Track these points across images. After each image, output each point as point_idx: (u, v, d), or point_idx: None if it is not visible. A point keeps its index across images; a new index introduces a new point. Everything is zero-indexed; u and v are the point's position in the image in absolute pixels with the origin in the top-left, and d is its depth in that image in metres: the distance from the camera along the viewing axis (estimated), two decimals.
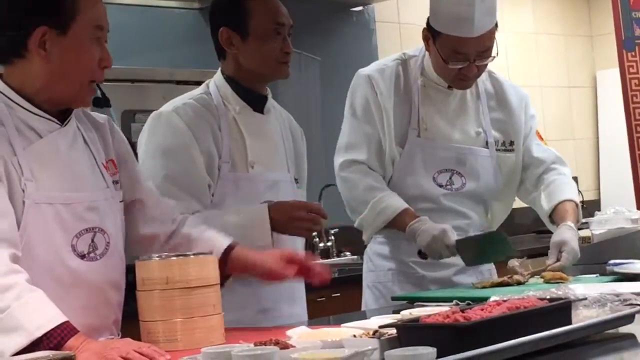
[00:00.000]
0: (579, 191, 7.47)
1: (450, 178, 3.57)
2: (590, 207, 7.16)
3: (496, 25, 3.47)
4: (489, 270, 3.68)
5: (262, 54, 3.10)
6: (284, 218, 3.03)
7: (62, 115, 2.52)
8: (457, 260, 3.44)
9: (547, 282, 3.18)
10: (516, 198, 3.83)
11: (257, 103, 3.19)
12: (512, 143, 3.67)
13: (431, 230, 3.34)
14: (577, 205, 3.59)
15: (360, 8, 6.39)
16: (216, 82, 3.18)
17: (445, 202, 3.55)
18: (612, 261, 3.31)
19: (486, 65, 3.50)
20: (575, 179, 7.89)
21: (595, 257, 3.47)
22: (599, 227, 3.76)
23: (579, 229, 3.84)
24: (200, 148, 3.05)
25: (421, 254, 3.41)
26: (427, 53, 3.57)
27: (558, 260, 3.35)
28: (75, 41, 2.45)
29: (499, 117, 3.67)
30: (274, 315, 3.09)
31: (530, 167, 3.71)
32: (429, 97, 3.57)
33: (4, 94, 2.48)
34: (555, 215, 3.57)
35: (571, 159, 7.75)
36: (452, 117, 3.58)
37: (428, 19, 3.51)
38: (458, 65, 3.44)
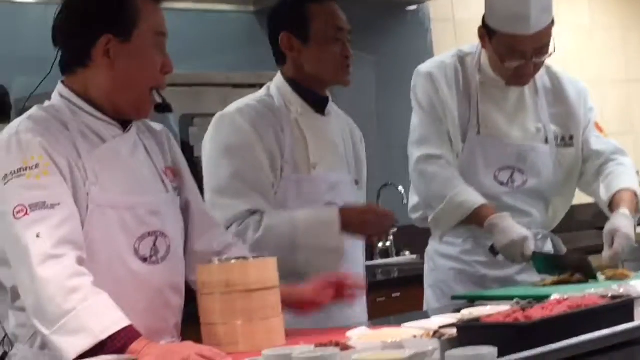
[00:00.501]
0: None
1: (511, 176, 3.55)
2: None
3: (553, 21, 3.44)
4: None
5: (323, 59, 3.12)
6: (354, 221, 3.07)
7: (124, 123, 2.56)
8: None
9: (608, 279, 3.15)
10: (576, 194, 3.80)
11: (318, 105, 3.21)
12: (571, 137, 3.65)
13: (512, 233, 3.32)
14: (636, 194, 3.55)
15: (415, 7, 6.37)
16: (277, 84, 3.20)
17: (506, 200, 3.54)
18: None
19: (543, 62, 3.49)
20: (637, 173, 7.83)
21: None
22: None
23: None
24: (263, 147, 3.07)
25: (493, 251, 3.39)
26: (483, 50, 3.56)
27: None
28: (139, 48, 2.49)
29: (558, 112, 3.65)
30: (335, 316, 3.09)
31: (589, 159, 3.69)
32: (488, 94, 3.57)
33: (68, 99, 2.51)
34: (612, 205, 3.54)
35: (631, 153, 7.57)
36: (511, 113, 3.57)
37: (484, 16, 3.50)
38: (515, 63, 3.43)
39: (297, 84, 3.17)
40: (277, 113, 3.13)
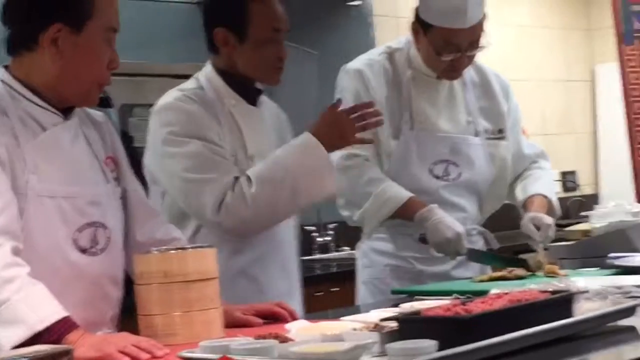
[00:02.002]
0: (578, 185, 7.53)
1: (446, 169, 3.57)
2: (590, 201, 7.15)
3: (485, 15, 3.49)
4: (481, 265, 3.67)
5: (258, 60, 3.08)
6: (329, 134, 3.01)
7: (65, 111, 2.51)
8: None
9: (547, 276, 3.16)
10: None
11: (251, 96, 3.17)
12: (500, 131, 3.68)
13: (446, 230, 3.33)
14: (549, 201, 3.64)
15: (357, 2, 6.38)
16: (208, 76, 3.14)
17: (443, 194, 3.55)
18: (612, 254, 3.30)
19: (475, 55, 3.52)
20: (573, 172, 7.92)
21: (596, 251, 3.45)
22: (599, 220, 3.74)
23: (576, 222, 3.84)
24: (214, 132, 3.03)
25: (423, 240, 3.39)
26: (412, 44, 3.56)
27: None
28: (88, 41, 2.45)
29: (485, 106, 3.68)
30: None
31: (517, 160, 3.73)
32: (419, 88, 3.57)
33: (8, 85, 2.46)
34: (525, 207, 3.62)
35: (570, 153, 7.75)
36: (442, 107, 3.59)
37: (417, 11, 3.51)
38: (450, 56, 3.45)
39: (230, 76, 3.12)
40: (212, 105, 3.08)
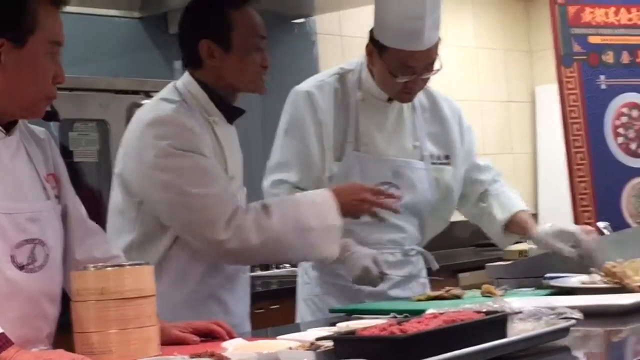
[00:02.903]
0: None
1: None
2: None
3: (439, 38, 3.49)
4: (422, 284, 3.70)
5: (244, 69, 3.06)
6: (348, 200, 3.08)
7: (6, 126, 2.49)
8: (391, 274, 3.47)
9: (484, 296, 3.19)
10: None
11: (231, 114, 3.15)
12: (447, 157, 3.68)
13: (361, 260, 3.27)
14: (531, 215, 3.69)
15: (302, 20, 6.40)
16: (191, 90, 3.09)
17: (383, 215, 3.54)
18: (548, 275, 3.34)
19: (429, 78, 3.52)
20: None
21: (532, 271, 3.49)
22: None
23: (516, 242, 3.87)
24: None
25: (355, 280, 3.38)
26: (364, 66, 3.56)
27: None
28: (32, 55, 2.42)
29: (434, 131, 3.68)
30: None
31: (475, 182, 3.75)
32: (367, 111, 3.57)
33: None
34: (513, 226, 3.65)
35: (509, 173, 7.82)
36: (389, 130, 3.58)
37: (372, 33, 3.49)
38: (405, 78, 3.43)
39: (213, 92, 3.09)
40: (198, 121, 3.04)
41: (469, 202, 3.78)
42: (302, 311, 3.67)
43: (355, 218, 3.20)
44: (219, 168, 3.02)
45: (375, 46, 3.47)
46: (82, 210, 2.74)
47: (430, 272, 3.78)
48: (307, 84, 3.59)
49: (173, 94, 3.09)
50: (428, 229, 3.75)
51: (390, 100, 3.56)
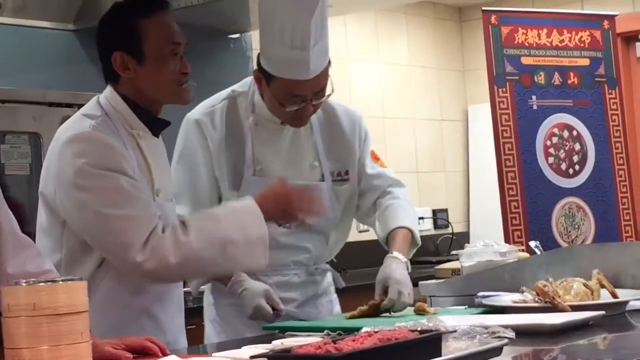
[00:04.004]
0: (449, 223, 7.66)
1: None
2: (460, 239, 7.28)
3: (329, 62, 3.41)
4: (330, 301, 3.70)
5: (161, 78, 2.99)
6: (273, 207, 3.02)
7: None
8: (296, 295, 3.48)
9: (417, 313, 3.21)
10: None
11: (157, 127, 3.10)
12: (347, 172, 3.62)
13: (254, 297, 3.26)
14: (410, 230, 3.58)
15: (237, 35, 6.40)
16: (113, 104, 3.03)
17: (284, 240, 3.48)
18: (480, 293, 3.36)
19: (321, 102, 3.43)
20: (445, 210, 8.04)
21: (465, 289, 3.51)
22: (469, 259, 3.81)
23: (447, 260, 3.88)
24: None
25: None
26: (256, 88, 3.47)
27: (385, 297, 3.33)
28: None
29: (333, 148, 3.61)
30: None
31: (367, 192, 3.68)
32: (261, 134, 3.50)
33: None
34: (388, 244, 3.57)
35: (442, 191, 7.89)
36: (286, 152, 3.52)
37: (258, 59, 3.41)
38: (294, 107, 3.36)
39: (135, 104, 3.03)
40: (121, 135, 2.98)
41: (362, 211, 3.72)
42: (209, 331, 3.62)
43: (284, 224, 3.15)
44: (140, 186, 2.95)
45: (262, 74, 3.38)
46: (14, 223, 2.70)
47: (337, 290, 3.77)
48: (197, 111, 3.51)
49: (95, 109, 3.03)
50: (332, 245, 3.73)
51: (283, 123, 3.49)
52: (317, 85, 3.36)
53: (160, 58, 3.00)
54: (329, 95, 3.43)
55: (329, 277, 3.72)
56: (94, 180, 2.89)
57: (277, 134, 3.52)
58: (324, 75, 3.37)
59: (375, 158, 3.74)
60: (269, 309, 3.26)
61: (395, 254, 3.46)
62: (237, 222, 2.98)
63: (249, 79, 3.55)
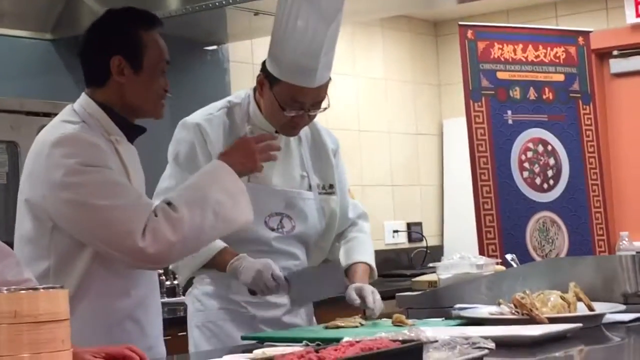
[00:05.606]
0: (423, 236, 7.68)
1: (280, 221, 3.62)
2: (434, 253, 7.31)
3: (330, 78, 3.54)
4: (308, 315, 3.75)
5: (149, 90, 3.06)
6: (239, 160, 3.12)
7: None
8: (285, 300, 3.50)
9: (396, 325, 3.22)
10: None
11: (133, 133, 3.14)
12: (331, 186, 3.76)
13: (254, 264, 3.37)
14: (370, 267, 3.74)
15: (214, 47, 6.41)
16: (90, 111, 3.06)
17: (276, 244, 3.60)
18: (457, 305, 3.38)
19: (316, 115, 3.57)
20: (419, 224, 8.05)
21: (441, 301, 3.54)
22: (445, 272, 3.84)
23: (421, 273, 3.91)
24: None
25: (252, 292, 3.42)
26: (251, 99, 3.61)
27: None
28: None
29: (318, 162, 3.76)
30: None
31: (342, 224, 3.82)
32: None
33: None
34: (348, 274, 3.69)
35: (416, 205, 7.90)
36: (278, 162, 3.56)
37: (264, 64, 3.53)
38: (293, 112, 3.48)
39: (111, 111, 3.07)
40: (102, 142, 3.01)
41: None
42: (196, 338, 3.65)
43: (249, 173, 3.28)
44: (126, 179, 3.02)
45: (266, 78, 3.51)
46: None
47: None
48: (196, 117, 3.60)
49: (72, 116, 3.06)
50: (312, 258, 3.79)
51: (277, 132, 3.59)
52: (318, 96, 3.50)
53: (154, 71, 3.07)
54: (325, 109, 3.56)
55: None
56: (85, 176, 2.93)
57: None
58: (324, 88, 3.52)
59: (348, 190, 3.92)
60: (269, 276, 3.33)
61: (357, 284, 3.59)
62: (214, 183, 3.06)
63: (242, 92, 3.67)
